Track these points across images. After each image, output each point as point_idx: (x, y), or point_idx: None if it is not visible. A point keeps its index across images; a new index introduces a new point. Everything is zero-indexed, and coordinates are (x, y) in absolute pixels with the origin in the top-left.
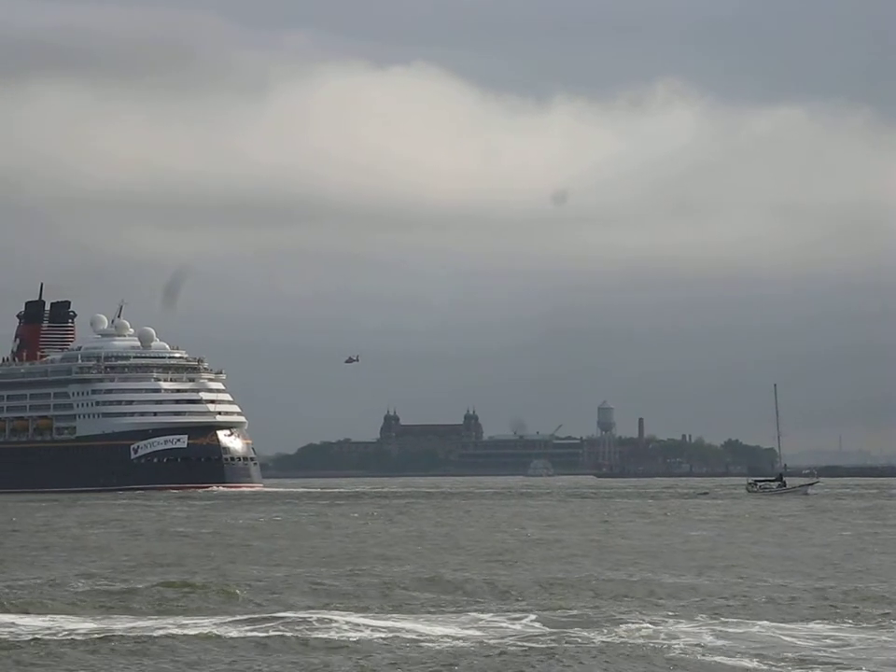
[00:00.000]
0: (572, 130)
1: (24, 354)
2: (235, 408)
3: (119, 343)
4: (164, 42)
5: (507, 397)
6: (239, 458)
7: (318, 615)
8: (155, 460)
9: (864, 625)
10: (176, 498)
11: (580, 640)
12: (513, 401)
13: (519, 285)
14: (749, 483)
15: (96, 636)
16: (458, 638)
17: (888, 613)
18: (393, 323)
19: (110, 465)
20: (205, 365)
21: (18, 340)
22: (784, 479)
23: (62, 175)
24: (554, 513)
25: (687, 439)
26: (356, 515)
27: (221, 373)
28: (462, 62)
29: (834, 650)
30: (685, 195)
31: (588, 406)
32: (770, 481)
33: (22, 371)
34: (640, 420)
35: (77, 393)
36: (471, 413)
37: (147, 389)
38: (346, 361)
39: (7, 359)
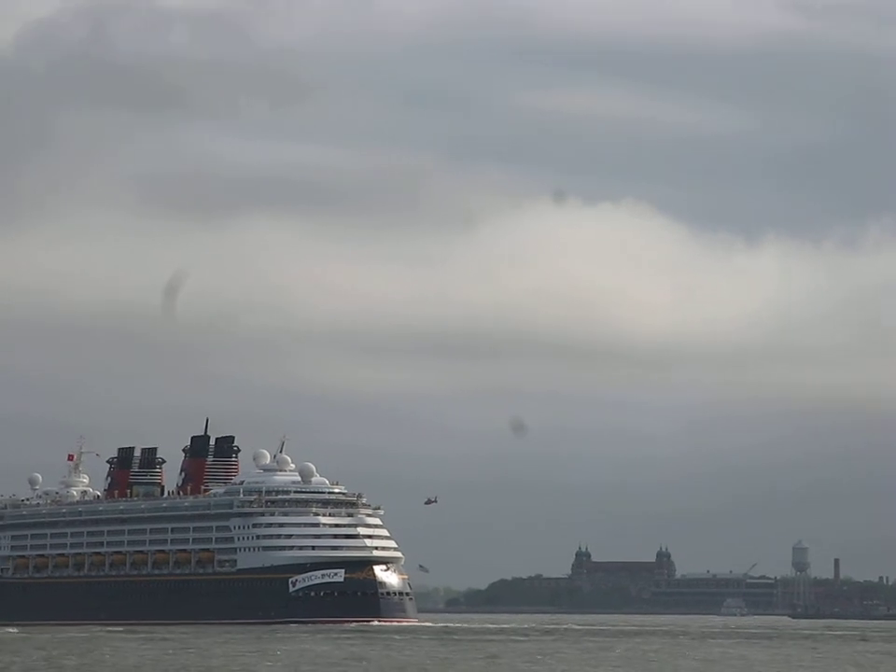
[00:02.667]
0: (782, 268)
1: (189, 488)
2: (392, 543)
3: (280, 478)
4: (375, 177)
5: (700, 533)
6: (395, 593)
7: None
8: (312, 594)
9: None
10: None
11: None
12: (707, 538)
13: (719, 420)
14: None
15: None
16: None
17: None
18: (593, 454)
19: (269, 598)
20: (364, 500)
21: (183, 474)
22: None
23: (256, 312)
24: None
25: (884, 581)
26: None
27: (379, 508)
28: (672, 199)
29: None
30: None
31: (783, 545)
32: None
33: (186, 504)
34: (836, 561)
35: (239, 527)
36: (664, 550)
37: (306, 524)
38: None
39: (173, 493)
